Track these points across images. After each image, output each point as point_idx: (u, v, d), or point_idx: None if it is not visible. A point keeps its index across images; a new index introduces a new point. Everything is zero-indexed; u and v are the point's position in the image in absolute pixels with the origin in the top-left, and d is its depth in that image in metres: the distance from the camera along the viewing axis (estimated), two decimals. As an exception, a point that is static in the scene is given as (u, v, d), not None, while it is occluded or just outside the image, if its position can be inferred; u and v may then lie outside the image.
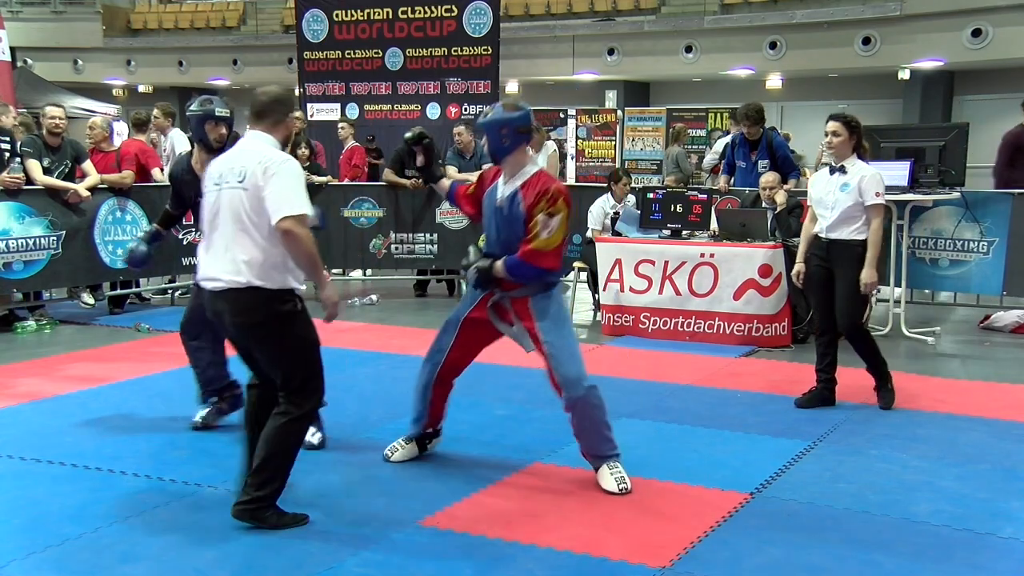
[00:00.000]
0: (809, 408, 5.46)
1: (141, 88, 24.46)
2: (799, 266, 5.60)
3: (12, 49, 11.44)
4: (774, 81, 19.99)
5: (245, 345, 3.74)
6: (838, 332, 5.52)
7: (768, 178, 7.77)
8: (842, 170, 5.34)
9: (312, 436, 4.56)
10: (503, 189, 4.17)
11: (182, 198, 5.04)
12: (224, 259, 3.59)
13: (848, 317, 5.42)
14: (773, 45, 18.35)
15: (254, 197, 3.53)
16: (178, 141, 9.40)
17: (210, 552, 3.47)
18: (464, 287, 9.51)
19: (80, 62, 23.68)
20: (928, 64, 17.80)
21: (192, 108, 4.82)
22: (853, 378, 5.74)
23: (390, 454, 4.50)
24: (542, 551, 3.49)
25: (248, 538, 3.61)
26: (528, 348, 4.25)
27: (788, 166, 8.25)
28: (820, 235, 5.43)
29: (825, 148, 5.62)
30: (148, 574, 3.30)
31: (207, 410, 5.01)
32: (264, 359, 3.71)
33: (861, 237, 5.29)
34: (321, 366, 3.77)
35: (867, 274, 5.25)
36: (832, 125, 5.32)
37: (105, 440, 4.76)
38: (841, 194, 5.30)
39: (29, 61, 18.82)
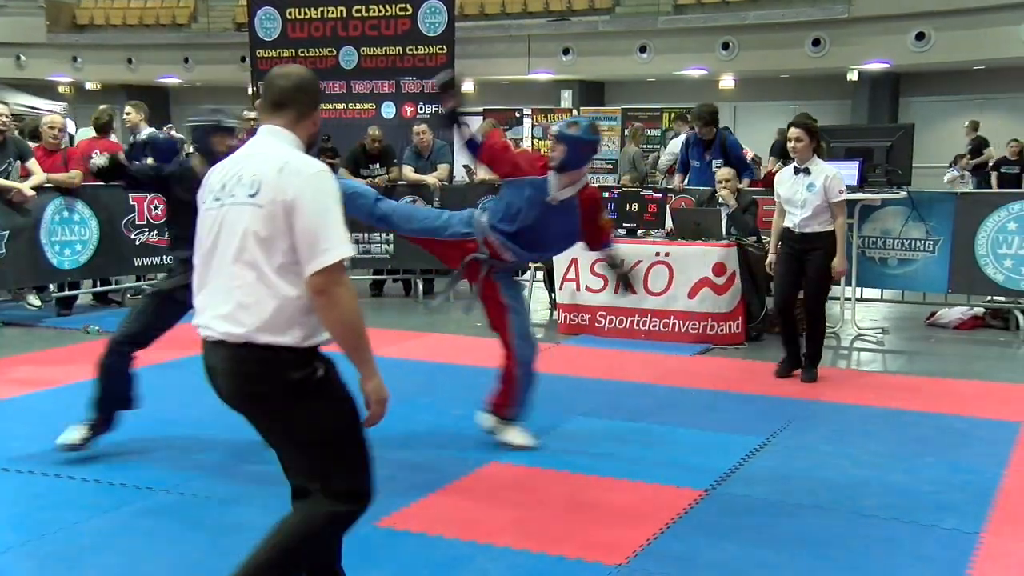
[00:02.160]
0: (786, 377, 6.10)
1: (88, 85, 23.99)
2: (772, 257, 6.28)
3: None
4: (727, 81, 20.23)
5: (251, 422, 2.71)
6: (795, 308, 6.24)
7: (724, 173, 7.86)
8: (806, 171, 5.92)
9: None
10: (558, 191, 4.54)
11: (145, 185, 5.03)
12: (222, 300, 2.54)
13: (816, 295, 6.07)
14: (726, 46, 18.57)
15: (271, 218, 2.48)
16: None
17: (161, 559, 3.42)
18: (420, 287, 9.51)
19: (23, 58, 23.16)
20: (875, 66, 18.15)
21: (198, 119, 4.66)
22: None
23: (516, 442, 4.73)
24: (499, 550, 3.49)
25: (200, 541, 3.56)
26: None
27: (741, 166, 8.35)
28: (793, 228, 6.00)
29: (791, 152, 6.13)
30: (98, 581, 3.25)
31: (84, 430, 4.49)
32: (275, 446, 2.72)
33: (828, 229, 5.93)
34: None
35: (838, 262, 5.94)
36: (794, 132, 5.93)
37: (51, 445, 4.65)
38: (809, 194, 5.89)
39: (-29, 57, 18.39)
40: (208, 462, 4.41)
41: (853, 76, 18.91)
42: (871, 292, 8.44)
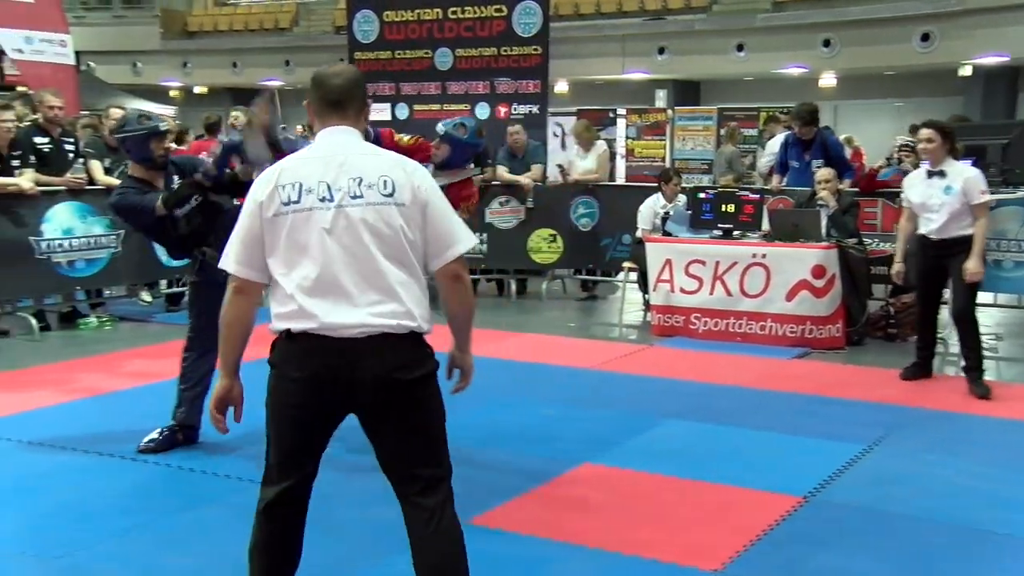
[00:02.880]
0: (911, 379, 5.96)
1: (196, 89, 24.89)
2: (899, 266, 6.09)
3: (76, 53, 11.70)
4: (828, 79, 19.68)
5: (369, 411, 2.67)
6: (934, 318, 6.11)
7: (824, 173, 7.65)
8: (941, 174, 5.69)
9: None
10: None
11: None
12: (380, 297, 2.57)
13: (962, 302, 5.80)
14: (827, 43, 18.06)
15: (413, 215, 2.58)
16: None
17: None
18: (513, 286, 9.56)
19: (139, 64, 24.16)
20: (991, 60, 17.36)
21: (129, 128, 4.51)
22: (907, 382, 5.64)
23: None
24: (591, 552, 3.48)
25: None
26: None
27: (842, 166, 8.12)
28: (929, 235, 5.77)
29: (920, 154, 6.02)
30: (199, 568, 3.36)
31: (162, 434, 4.59)
32: (401, 432, 2.68)
33: (969, 231, 5.67)
34: None
35: (973, 264, 5.62)
36: (925, 132, 5.72)
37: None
38: (947, 197, 5.65)
39: (91, 64, 19.25)
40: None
41: (965, 71, 18.14)
42: (984, 296, 8.07)
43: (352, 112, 2.69)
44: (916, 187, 5.88)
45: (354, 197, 2.55)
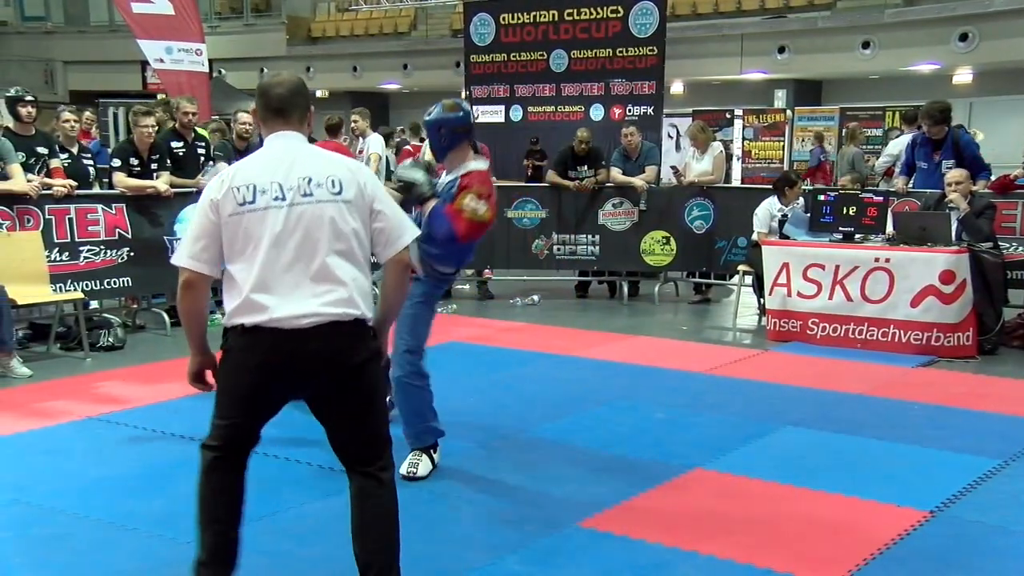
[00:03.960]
0: None
1: (318, 93, 25.65)
2: None
3: (209, 61, 12.26)
4: (963, 76, 18.77)
5: (320, 396, 2.92)
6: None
7: (956, 175, 7.30)
8: None
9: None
10: (444, 180, 4.30)
11: None
12: (328, 288, 2.77)
13: None
14: (963, 37, 17.21)
15: (360, 212, 2.83)
16: (374, 144, 9.79)
17: (378, 540, 3.60)
18: (625, 288, 9.50)
19: (265, 70, 25.05)
20: None
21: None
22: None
23: (414, 471, 4.27)
24: (703, 559, 3.43)
25: (409, 530, 3.71)
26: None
27: (977, 166, 7.74)
28: None
29: None
30: (322, 558, 3.46)
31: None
32: (352, 411, 2.90)
33: None
34: None
35: None
36: None
37: (284, 429, 4.95)
38: None
39: (223, 71, 20.13)
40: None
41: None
42: None
43: (295, 118, 2.92)
44: None
45: (305, 195, 2.77)
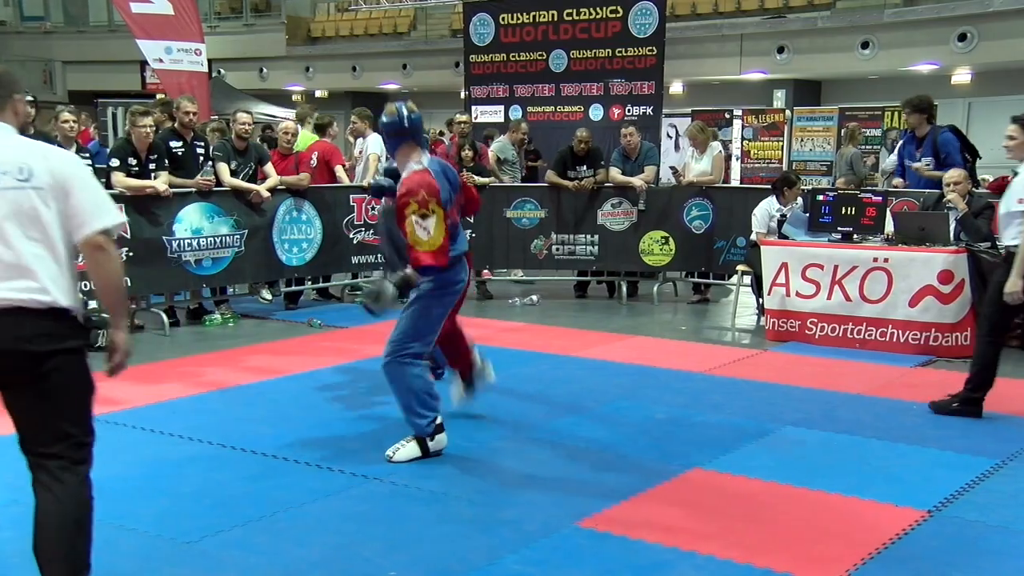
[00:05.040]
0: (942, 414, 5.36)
1: (318, 94, 25.65)
2: (1019, 282, 4.92)
3: (208, 61, 12.27)
4: (962, 76, 18.78)
5: (4, 383, 2.82)
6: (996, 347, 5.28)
7: (953, 175, 7.28)
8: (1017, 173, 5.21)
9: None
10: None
11: None
12: (19, 273, 2.75)
13: (986, 319, 5.27)
14: (963, 37, 17.21)
15: (53, 198, 2.79)
16: (373, 144, 9.76)
17: (374, 543, 3.60)
18: (624, 288, 9.50)
19: (265, 70, 25.06)
20: None
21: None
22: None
23: (390, 454, 4.46)
24: (702, 559, 3.43)
25: (409, 531, 3.72)
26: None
27: (950, 166, 7.72)
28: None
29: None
30: (320, 559, 3.46)
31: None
32: (32, 403, 2.82)
33: (1015, 242, 4.96)
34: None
35: (1010, 283, 4.93)
36: (1009, 128, 5.24)
37: (281, 429, 5.02)
38: (1005, 197, 5.13)
39: (222, 71, 20.13)
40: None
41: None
42: None
43: None
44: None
45: None
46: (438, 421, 4.47)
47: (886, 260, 6.98)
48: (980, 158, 8.25)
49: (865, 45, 18.29)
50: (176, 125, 8.09)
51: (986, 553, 3.50)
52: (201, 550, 3.51)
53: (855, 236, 7.37)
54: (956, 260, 6.73)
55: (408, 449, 4.45)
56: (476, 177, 9.25)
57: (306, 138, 9.74)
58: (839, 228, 7.45)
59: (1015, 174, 5.21)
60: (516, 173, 9.96)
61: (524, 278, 10.19)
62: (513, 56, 11.48)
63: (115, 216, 2.92)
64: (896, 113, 16.97)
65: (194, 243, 7.94)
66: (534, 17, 11.30)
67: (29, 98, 7.28)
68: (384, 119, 4.43)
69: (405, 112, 4.39)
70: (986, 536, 3.65)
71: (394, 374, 4.41)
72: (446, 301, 4.51)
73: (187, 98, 8.26)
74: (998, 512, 3.87)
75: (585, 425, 5.12)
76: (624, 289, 9.52)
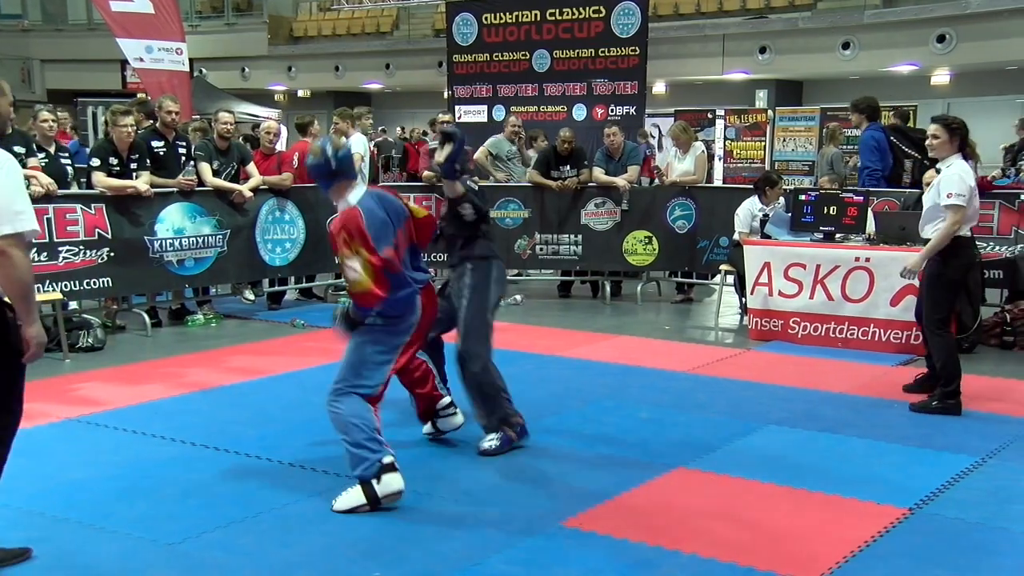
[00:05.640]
0: (918, 392, 5.64)
1: (300, 93, 25.57)
2: (920, 262, 5.65)
3: (190, 60, 12.19)
4: (941, 77, 18.94)
5: None
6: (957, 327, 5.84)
7: (931, 174, 7.37)
8: (939, 171, 5.56)
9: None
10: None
11: None
12: None
13: (928, 311, 5.53)
14: (941, 38, 17.36)
15: None
16: (356, 144, 9.73)
17: (358, 544, 3.60)
18: (608, 288, 9.52)
19: (247, 70, 24.95)
20: (1119, 53, 16.37)
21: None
22: (1024, 392, 5.39)
23: (334, 503, 3.96)
24: (686, 558, 3.44)
25: (394, 531, 3.71)
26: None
27: (864, 167, 7.92)
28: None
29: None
30: (303, 560, 3.45)
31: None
32: None
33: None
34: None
35: (913, 261, 5.55)
36: (932, 128, 5.53)
37: (264, 430, 5.00)
38: (930, 192, 5.52)
39: (203, 71, 20.01)
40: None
41: (1091, 65, 17.16)
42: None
43: None
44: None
45: None
46: (385, 461, 3.92)
47: (868, 260, 7.03)
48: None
49: (846, 46, 18.42)
50: (158, 125, 8.04)
51: (966, 550, 3.53)
52: (183, 552, 3.49)
53: (837, 236, 7.42)
54: (936, 259, 6.78)
55: (350, 496, 3.92)
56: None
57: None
58: (821, 228, 7.50)
59: (938, 171, 5.54)
60: (514, 168, 9.92)
61: (508, 278, 10.19)
62: (496, 56, 11.48)
63: (21, 223, 3.04)
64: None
65: (176, 243, 7.89)
66: (517, 17, 11.30)
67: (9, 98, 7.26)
68: (309, 161, 4.16)
69: (330, 152, 4.06)
70: (966, 533, 3.68)
71: (329, 413, 4.04)
72: (389, 341, 4.11)
73: (169, 97, 8.21)
74: (977, 509, 3.91)
75: (569, 425, 5.13)
76: (608, 289, 9.54)
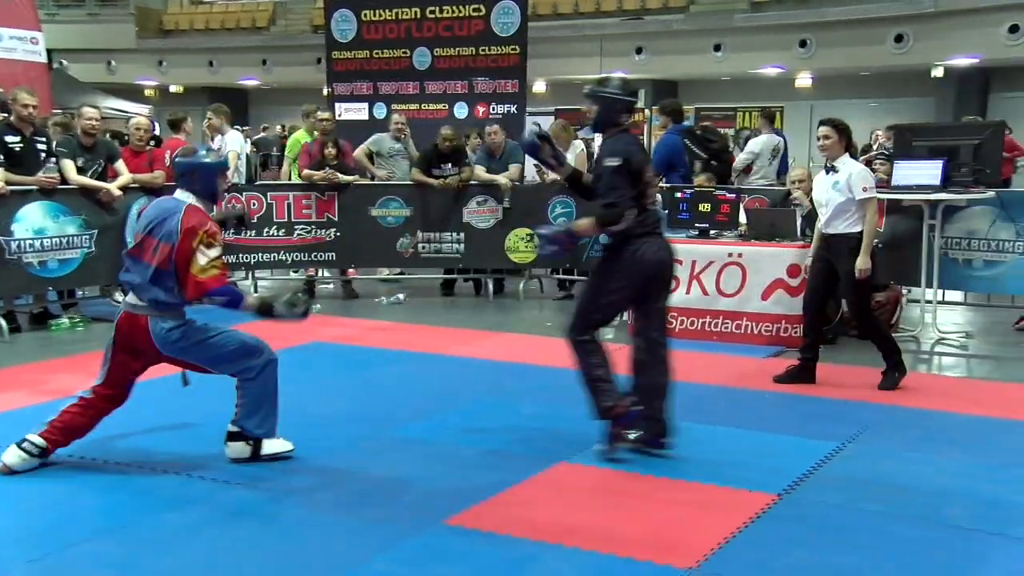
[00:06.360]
0: (788, 383, 5.93)
1: (172, 88, 24.71)
2: (808, 260, 6.26)
3: (48, 51, 11.59)
4: (804, 80, 19.84)
5: None
6: (823, 319, 6.27)
7: (799, 173, 7.77)
8: (834, 169, 5.83)
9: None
10: None
11: None
12: None
13: (854, 305, 5.96)
14: (803, 43, 18.20)
15: None
16: (232, 141, 9.44)
17: (237, 548, 3.50)
18: (491, 286, 9.56)
19: (113, 63, 23.96)
20: (963, 61, 17.57)
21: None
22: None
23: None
24: (568, 551, 3.48)
25: (275, 536, 3.63)
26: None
27: (659, 167, 8.32)
28: (821, 230, 5.97)
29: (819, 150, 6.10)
30: (179, 568, 3.33)
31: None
32: None
33: (855, 230, 5.75)
34: None
35: (861, 261, 5.72)
36: (822, 130, 5.85)
37: (134, 438, 4.81)
38: (833, 192, 5.79)
39: (64, 63, 19.07)
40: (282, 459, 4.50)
41: (938, 72, 18.34)
42: (953, 295, 8.18)
43: None
44: (817, 185, 6.05)
45: None
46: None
47: (740, 255, 7.28)
48: (725, 162, 9.20)
49: (717, 48, 19.07)
50: (12, 118, 7.61)
51: (828, 530, 3.70)
52: (44, 568, 3.32)
53: (711, 232, 7.65)
54: (802, 254, 7.06)
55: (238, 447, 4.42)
56: (340, 176, 9.12)
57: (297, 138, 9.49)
58: (696, 224, 7.72)
59: (835, 170, 5.81)
60: (398, 165, 9.81)
61: (390, 276, 10.14)
62: (376, 53, 11.35)
63: None
64: (748, 113, 17.78)
65: (37, 243, 7.50)
66: (397, 14, 11.20)
67: None
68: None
69: (192, 154, 4.46)
70: (828, 515, 3.86)
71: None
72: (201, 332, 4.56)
73: (24, 90, 7.78)
74: (839, 491, 4.10)
75: (451, 423, 5.12)
76: (491, 287, 9.58)
